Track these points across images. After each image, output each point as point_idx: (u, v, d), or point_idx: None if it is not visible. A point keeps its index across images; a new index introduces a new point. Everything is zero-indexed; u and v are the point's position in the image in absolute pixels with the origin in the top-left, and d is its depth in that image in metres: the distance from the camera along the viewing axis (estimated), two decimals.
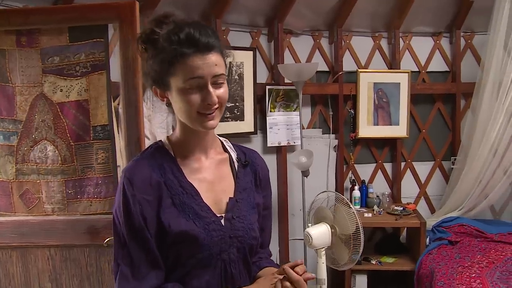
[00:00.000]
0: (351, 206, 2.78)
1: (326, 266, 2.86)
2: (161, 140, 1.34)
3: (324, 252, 2.84)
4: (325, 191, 2.98)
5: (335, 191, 3.96)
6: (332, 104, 4.03)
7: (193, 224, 1.23)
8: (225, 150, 1.41)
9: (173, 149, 1.31)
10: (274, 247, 3.93)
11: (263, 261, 1.47)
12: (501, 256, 3.18)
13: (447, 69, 4.10)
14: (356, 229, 2.73)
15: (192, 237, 1.22)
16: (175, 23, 1.22)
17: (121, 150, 2.27)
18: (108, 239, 2.14)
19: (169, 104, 1.29)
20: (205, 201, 1.27)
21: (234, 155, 1.40)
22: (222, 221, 1.29)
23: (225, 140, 1.44)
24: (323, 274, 2.85)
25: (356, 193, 3.83)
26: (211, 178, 1.32)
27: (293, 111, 3.83)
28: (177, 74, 1.20)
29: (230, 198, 1.32)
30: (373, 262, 3.54)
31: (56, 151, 2.18)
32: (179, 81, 1.20)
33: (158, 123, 3.08)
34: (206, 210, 1.27)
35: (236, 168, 1.38)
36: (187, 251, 1.24)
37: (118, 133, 2.34)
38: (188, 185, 1.27)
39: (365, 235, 4.03)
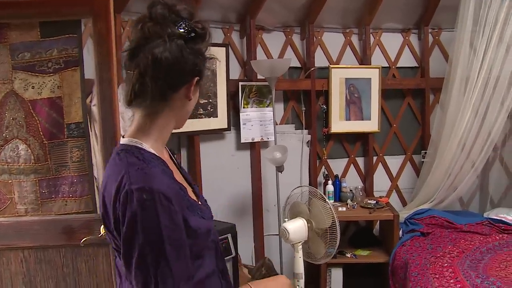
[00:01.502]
0: (326, 200, 2.80)
1: (303, 260, 2.89)
2: (126, 143, 1.22)
3: (301, 247, 2.85)
4: (300, 186, 3.00)
5: (309, 185, 4.00)
6: (305, 100, 4.05)
7: (204, 220, 1.25)
8: None
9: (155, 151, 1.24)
10: (249, 243, 3.95)
11: None
12: (470, 245, 3.28)
13: (417, 65, 4.18)
14: (332, 223, 2.76)
15: (209, 230, 1.27)
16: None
17: (96, 148, 2.23)
18: (85, 238, 2.10)
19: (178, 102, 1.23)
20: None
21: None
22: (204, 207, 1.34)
23: None
24: (300, 268, 2.87)
25: (330, 187, 3.87)
26: (176, 173, 1.29)
27: (266, 107, 3.84)
28: (203, 73, 1.24)
29: (193, 185, 1.37)
30: (348, 255, 3.58)
31: (29, 150, 2.13)
32: (200, 80, 1.25)
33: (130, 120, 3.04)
34: (197, 204, 1.27)
35: (174, 159, 1.39)
36: (206, 243, 1.28)
37: (91, 131, 2.29)
38: (181, 186, 1.23)
39: (340, 229, 4.12)
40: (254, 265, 3.74)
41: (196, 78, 1.21)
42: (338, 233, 2.74)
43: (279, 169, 3.52)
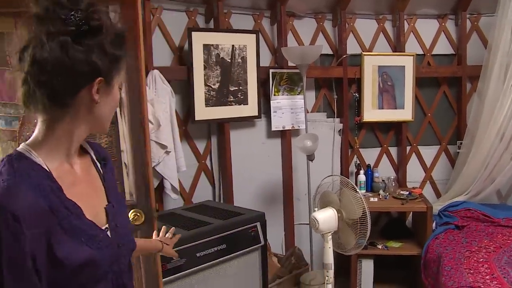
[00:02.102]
0: (357, 190, 2.74)
1: (333, 250, 2.84)
2: (18, 150, 1.07)
3: (330, 237, 2.81)
4: (331, 175, 2.94)
5: (341, 174, 3.93)
6: (337, 88, 3.98)
7: (88, 248, 1.06)
8: (83, 149, 1.23)
9: (43, 160, 1.06)
10: (279, 232, 3.92)
11: None
12: (508, 241, 3.16)
13: (453, 52, 4.04)
14: (362, 213, 2.70)
15: (90, 262, 1.07)
16: (107, 15, 1.08)
17: (124, 134, 2.23)
18: None
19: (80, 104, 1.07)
20: (88, 218, 1.10)
21: (92, 154, 1.24)
22: (108, 232, 1.16)
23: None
24: (329, 259, 2.83)
25: (362, 177, 3.80)
26: (86, 189, 1.16)
27: (297, 94, 3.78)
28: (120, 72, 1.12)
29: (107, 205, 1.19)
30: (379, 246, 3.51)
31: None
32: (119, 80, 1.13)
33: (162, 108, 3.03)
34: (93, 227, 1.10)
35: (100, 169, 1.24)
36: (84, 275, 1.07)
37: (121, 118, 2.29)
38: (71, 204, 1.06)
39: (371, 219, 4.05)
40: (284, 254, 3.71)
41: (99, 79, 1.05)
42: (368, 223, 2.68)
43: (310, 157, 3.46)
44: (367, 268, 3.51)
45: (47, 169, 1.05)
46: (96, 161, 1.24)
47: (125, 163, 2.25)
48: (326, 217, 2.78)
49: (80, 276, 1.06)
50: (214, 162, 3.61)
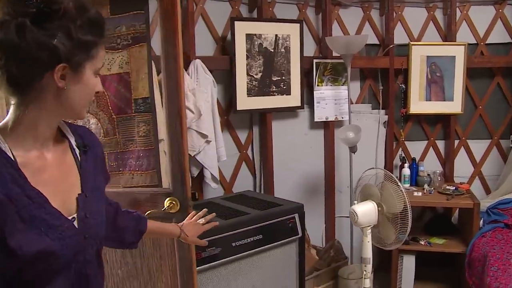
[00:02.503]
0: (399, 184, 2.67)
1: (373, 245, 2.79)
2: None
3: (370, 231, 2.76)
4: (373, 168, 2.87)
5: (384, 168, 3.84)
6: (382, 79, 3.87)
7: (47, 238, 1.03)
8: (63, 134, 1.20)
9: (9, 147, 1.03)
10: (320, 224, 3.89)
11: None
12: None
13: (510, 40, 3.82)
14: (403, 208, 2.63)
15: (47, 253, 1.03)
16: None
17: (163, 123, 2.26)
18: (150, 211, 2.14)
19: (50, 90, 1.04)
20: (54, 206, 1.07)
21: (72, 140, 1.21)
22: (75, 223, 1.12)
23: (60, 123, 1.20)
24: (368, 253, 2.78)
25: (406, 171, 3.70)
26: (56, 176, 1.12)
27: (341, 85, 3.71)
28: (94, 58, 1.08)
29: (79, 194, 1.16)
30: (422, 242, 3.41)
31: (99, 124, 2.19)
32: (93, 67, 1.09)
33: (203, 97, 3.05)
34: (57, 217, 1.07)
35: (78, 156, 1.20)
36: (41, 265, 1.05)
37: (162, 107, 2.32)
38: (34, 193, 1.03)
39: (414, 214, 3.91)
40: (323, 246, 3.67)
41: (62, 65, 1.01)
42: (409, 218, 2.61)
43: (352, 149, 3.40)
44: (408, 264, 3.42)
45: (11, 157, 1.02)
46: (74, 147, 1.20)
47: (164, 151, 2.28)
48: (366, 210, 2.72)
49: (36, 266, 1.03)
50: (255, 152, 3.61)
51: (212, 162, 3.15)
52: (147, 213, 2.14)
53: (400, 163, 3.81)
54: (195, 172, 3.20)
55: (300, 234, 2.82)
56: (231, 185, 3.53)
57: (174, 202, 2.15)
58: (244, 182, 3.60)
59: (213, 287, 2.50)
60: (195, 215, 1.74)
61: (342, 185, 3.87)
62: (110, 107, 2.17)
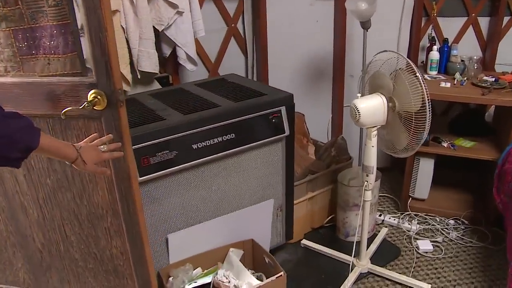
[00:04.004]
0: (417, 74, 1.99)
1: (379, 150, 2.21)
2: None
3: (375, 133, 2.15)
4: (387, 51, 2.17)
5: (409, 50, 3.13)
6: None
7: None
8: None
9: None
10: (326, 113, 3.30)
11: None
12: None
13: None
14: (422, 105, 1.98)
15: None
16: None
17: None
18: (66, 109, 1.58)
19: None
20: None
21: None
22: None
23: None
24: (371, 160, 2.20)
25: (434, 54, 2.94)
26: None
27: None
28: None
29: None
30: (445, 144, 2.79)
31: None
32: None
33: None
34: None
35: None
36: None
37: None
38: None
39: (438, 109, 3.26)
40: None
41: None
42: (427, 121, 1.98)
43: (364, 25, 2.68)
44: (425, 167, 2.84)
45: None
46: None
47: (79, 28, 1.66)
48: (372, 106, 2.09)
49: None
50: (247, 26, 2.92)
51: (186, 38, 2.51)
52: (65, 110, 1.58)
53: (428, 44, 3.05)
54: (167, 51, 2.59)
55: (287, 133, 2.23)
56: (217, 66, 2.90)
57: (99, 97, 1.59)
58: (234, 64, 2.97)
59: (168, 199, 2.01)
60: (97, 138, 1.47)
61: (355, 68, 3.20)
62: None
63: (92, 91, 1.56)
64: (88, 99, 1.56)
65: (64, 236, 1.97)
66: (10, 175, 1.87)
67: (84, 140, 1.44)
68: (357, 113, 2.06)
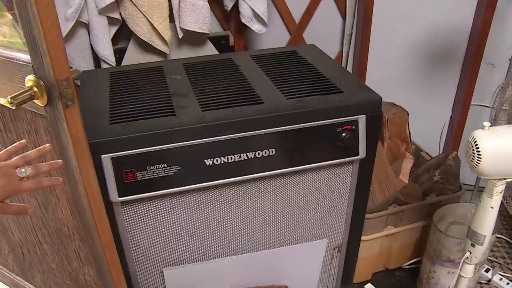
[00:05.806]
0: None
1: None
2: None
3: (501, 188, 1.31)
4: None
5: None
6: None
7: None
8: None
9: None
10: (443, 111, 2.47)
11: None
12: None
13: None
14: None
15: None
16: None
17: None
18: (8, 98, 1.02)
19: None
20: None
21: None
22: None
23: None
24: (484, 227, 1.37)
25: None
26: None
27: None
28: None
29: None
30: None
31: None
32: None
33: None
34: None
35: None
36: None
37: None
38: None
39: None
40: (438, 155, 2.25)
41: None
42: None
43: None
44: None
45: None
46: None
47: None
48: (507, 147, 1.25)
49: None
50: None
51: None
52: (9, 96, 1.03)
53: None
54: (230, 2, 1.92)
55: (361, 155, 1.48)
56: (301, 30, 2.18)
57: (36, 88, 1.03)
58: (327, 29, 2.23)
59: (167, 223, 1.43)
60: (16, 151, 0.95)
61: (497, 56, 2.28)
62: None
63: (29, 77, 1.00)
64: (26, 87, 1.01)
65: (38, 242, 1.55)
66: None
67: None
68: (475, 154, 1.24)
